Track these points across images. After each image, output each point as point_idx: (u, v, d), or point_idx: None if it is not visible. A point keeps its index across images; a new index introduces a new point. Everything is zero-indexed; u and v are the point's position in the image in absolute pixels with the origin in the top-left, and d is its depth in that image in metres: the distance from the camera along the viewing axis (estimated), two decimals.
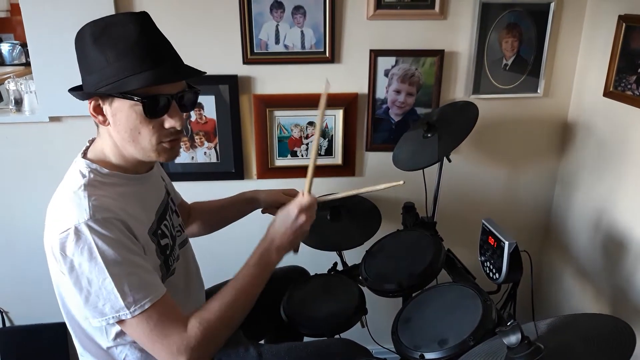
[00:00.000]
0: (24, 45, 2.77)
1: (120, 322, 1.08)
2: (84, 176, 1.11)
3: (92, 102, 1.10)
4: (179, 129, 1.12)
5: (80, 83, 1.14)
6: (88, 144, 1.22)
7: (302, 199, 1.30)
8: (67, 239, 1.02)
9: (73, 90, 1.15)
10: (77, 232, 1.02)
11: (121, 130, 1.10)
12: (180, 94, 1.12)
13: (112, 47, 1.04)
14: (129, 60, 1.04)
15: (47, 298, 2.06)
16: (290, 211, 1.28)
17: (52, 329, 2.16)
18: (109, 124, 1.11)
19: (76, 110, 1.84)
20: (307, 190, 1.35)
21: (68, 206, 1.06)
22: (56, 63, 1.78)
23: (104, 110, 1.10)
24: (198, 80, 1.19)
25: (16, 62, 3.69)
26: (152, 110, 1.08)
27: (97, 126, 1.17)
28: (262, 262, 1.25)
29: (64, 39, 1.74)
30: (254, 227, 2.13)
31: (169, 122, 1.11)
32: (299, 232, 1.29)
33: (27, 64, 2.43)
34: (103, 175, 1.14)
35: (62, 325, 2.12)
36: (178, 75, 1.12)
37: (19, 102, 1.91)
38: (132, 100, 1.06)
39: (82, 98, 1.12)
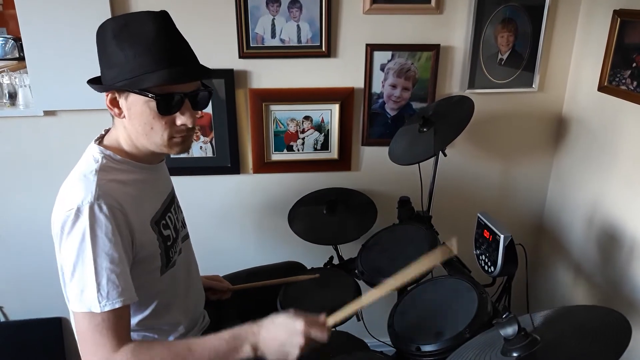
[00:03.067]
0: (16, 39, 2.75)
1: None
2: (96, 161, 1.15)
3: (109, 95, 1.14)
4: (190, 126, 1.16)
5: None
6: (103, 133, 1.25)
7: (318, 330, 1.12)
8: (69, 217, 1.05)
9: (91, 82, 1.18)
10: (78, 212, 1.05)
11: (135, 123, 1.14)
12: (194, 92, 1.15)
13: (131, 45, 1.07)
14: (146, 58, 1.07)
15: (42, 293, 2.07)
16: (296, 325, 1.11)
17: (48, 324, 2.14)
18: (124, 116, 1.15)
19: (71, 104, 1.84)
20: (330, 325, 1.16)
21: (77, 187, 1.09)
22: (51, 57, 1.77)
23: (120, 103, 1.14)
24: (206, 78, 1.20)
25: (9, 56, 3.65)
26: (165, 108, 1.11)
27: (113, 117, 1.19)
28: (232, 344, 1.11)
29: (59, 33, 1.75)
30: (248, 220, 2.14)
31: (180, 119, 1.14)
32: (286, 349, 1.11)
33: (20, 59, 2.41)
34: (115, 162, 1.18)
35: (58, 320, 2.14)
36: (192, 75, 1.15)
37: (13, 96, 1.90)
38: (147, 96, 1.09)
39: (100, 90, 1.15)
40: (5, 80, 1.90)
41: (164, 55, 1.08)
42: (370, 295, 1.18)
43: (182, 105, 1.13)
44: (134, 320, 1.24)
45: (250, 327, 1.13)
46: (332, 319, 1.16)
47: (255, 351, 1.11)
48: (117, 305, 1.06)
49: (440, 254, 1.12)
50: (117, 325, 1.07)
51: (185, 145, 1.20)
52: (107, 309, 1.05)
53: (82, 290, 1.06)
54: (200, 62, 1.18)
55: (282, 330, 1.11)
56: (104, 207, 1.07)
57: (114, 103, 1.14)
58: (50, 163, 1.93)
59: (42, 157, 1.92)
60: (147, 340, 1.22)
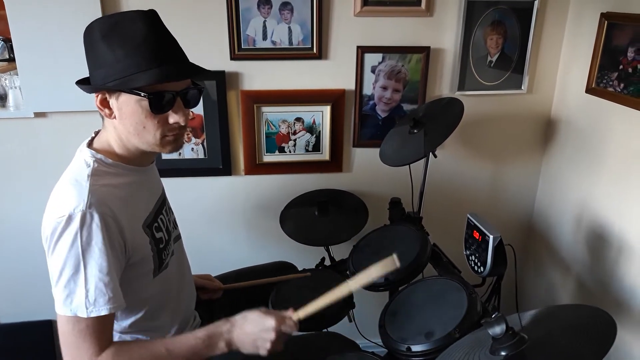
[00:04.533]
0: (6, 40, 2.73)
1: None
2: (88, 165, 1.14)
3: (99, 96, 1.13)
4: (182, 124, 1.16)
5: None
6: (93, 135, 1.25)
7: (288, 324, 1.20)
8: (60, 224, 1.05)
9: (80, 83, 1.17)
10: (69, 220, 1.05)
11: (127, 123, 1.13)
12: (185, 90, 1.15)
13: (121, 44, 1.07)
14: (137, 57, 1.07)
15: (33, 296, 2.06)
16: (267, 322, 1.17)
17: (39, 327, 2.14)
18: (115, 117, 1.14)
19: (61, 105, 1.83)
20: (298, 318, 1.22)
21: (69, 193, 1.09)
22: (41, 58, 1.77)
23: (110, 103, 1.13)
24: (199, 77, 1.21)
25: None
26: (158, 106, 1.11)
27: (103, 118, 1.19)
28: (207, 342, 1.16)
29: (49, 34, 1.74)
30: (240, 222, 2.15)
31: (173, 118, 1.14)
32: (258, 344, 1.17)
33: (10, 60, 2.39)
34: (107, 165, 1.17)
35: (49, 323, 2.13)
36: (183, 73, 1.15)
37: (3, 98, 1.89)
38: (139, 96, 1.09)
39: (90, 91, 1.15)
40: None
41: (155, 54, 1.08)
42: (330, 295, 1.24)
43: (174, 103, 1.13)
44: (127, 322, 1.25)
45: (223, 324, 1.19)
46: (299, 314, 1.22)
47: (230, 347, 1.18)
48: (103, 313, 1.07)
49: (387, 265, 1.21)
50: (100, 332, 1.08)
51: (178, 144, 1.20)
52: (93, 315, 1.06)
53: (68, 294, 1.06)
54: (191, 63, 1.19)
55: (254, 326, 1.18)
56: (96, 216, 1.06)
57: (104, 103, 1.14)
58: (40, 165, 1.92)
59: (33, 159, 1.92)
60: (125, 342, 1.23)
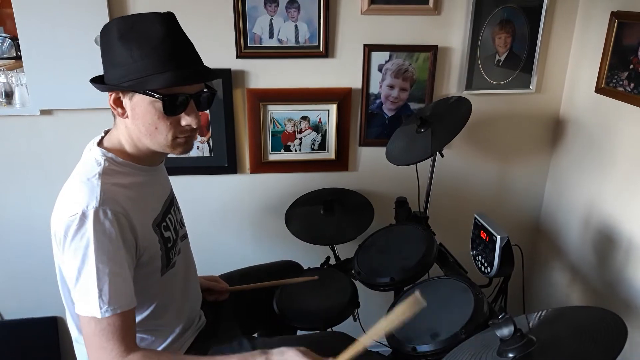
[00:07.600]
0: (13, 38, 2.74)
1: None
2: (99, 164, 1.14)
3: (113, 95, 1.13)
4: (194, 127, 1.16)
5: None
6: (103, 134, 1.25)
7: None
8: (73, 222, 1.05)
9: (94, 81, 1.17)
10: (82, 218, 1.05)
11: (139, 123, 1.14)
12: (199, 93, 1.16)
13: (138, 46, 1.07)
14: (153, 59, 1.07)
15: (37, 292, 2.06)
16: None
17: (43, 323, 2.14)
18: (127, 116, 1.14)
19: (67, 103, 1.84)
20: None
21: (81, 191, 1.09)
22: (47, 56, 1.76)
23: (123, 103, 1.13)
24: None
25: (6, 55, 3.64)
26: (171, 108, 1.11)
27: (114, 117, 1.19)
28: None
29: (56, 32, 1.75)
30: (245, 220, 2.14)
31: (185, 120, 1.14)
32: None
33: (17, 58, 2.40)
34: (117, 164, 1.17)
35: (53, 319, 2.14)
36: (199, 77, 1.15)
37: (9, 95, 1.89)
38: (153, 97, 1.09)
39: (105, 90, 1.15)
40: (2, 79, 1.89)
41: (171, 56, 1.09)
42: (368, 338, 1.18)
43: (187, 106, 1.13)
44: None
45: (259, 355, 1.15)
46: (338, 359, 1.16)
47: None
48: (118, 311, 1.07)
49: (413, 305, 1.12)
50: (122, 330, 1.08)
51: (188, 146, 1.21)
52: (108, 314, 1.06)
53: (85, 295, 1.06)
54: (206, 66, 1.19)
55: None
56: (109, 213, 1.07)
57: (117, 103, 1.14)
58: (46, 162, 1.92)
59: (39, 157, 1.92)
60: (154, 350, 1.24)
